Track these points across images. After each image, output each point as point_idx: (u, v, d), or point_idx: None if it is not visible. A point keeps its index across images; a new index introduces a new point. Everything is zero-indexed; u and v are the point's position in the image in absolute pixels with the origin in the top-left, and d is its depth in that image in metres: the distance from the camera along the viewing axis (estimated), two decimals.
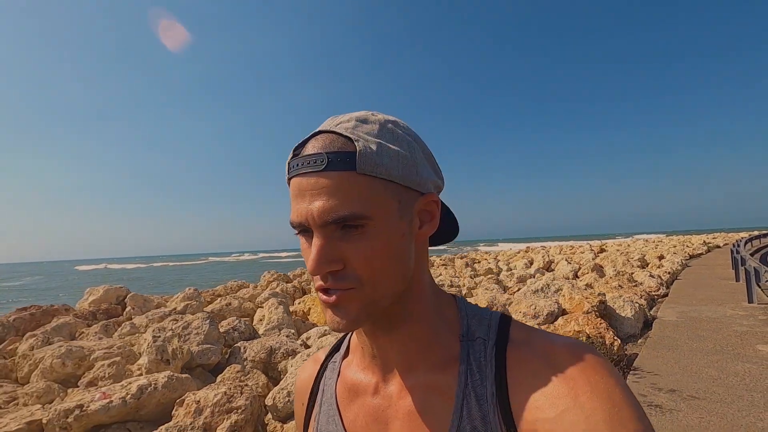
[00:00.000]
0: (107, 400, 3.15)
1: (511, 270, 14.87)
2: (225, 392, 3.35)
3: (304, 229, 0.47)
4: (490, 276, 12.86)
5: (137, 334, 6.23)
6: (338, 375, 0.60)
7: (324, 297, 0.46)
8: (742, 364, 4.70)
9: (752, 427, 3.25)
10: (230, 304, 8.42)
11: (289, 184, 0.49)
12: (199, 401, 3.27)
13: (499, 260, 20.03)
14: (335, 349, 0.65)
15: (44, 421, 3.06)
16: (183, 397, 3.37)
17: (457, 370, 0.50)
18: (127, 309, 8.71)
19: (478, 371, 0.49)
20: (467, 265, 16.88)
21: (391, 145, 0.47)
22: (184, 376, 3.82)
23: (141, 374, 4.05)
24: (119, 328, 6.42)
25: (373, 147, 0.45)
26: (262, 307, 8.09)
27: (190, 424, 2.96)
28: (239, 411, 3.28)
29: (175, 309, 7.73)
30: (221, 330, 5.32)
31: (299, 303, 8.76)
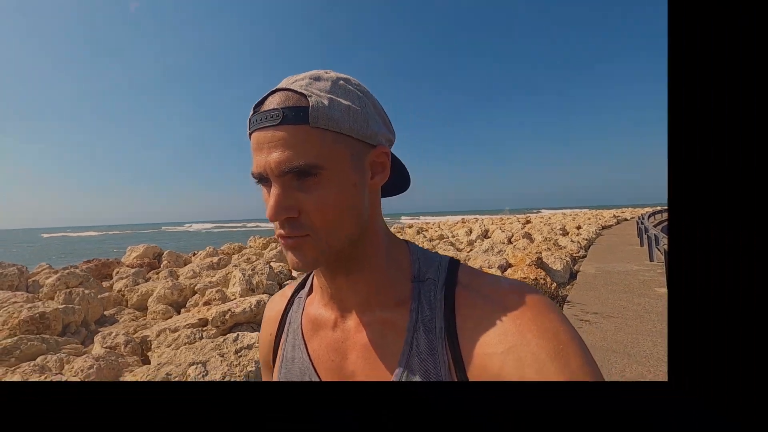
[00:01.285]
0: (242, 307, 5.29)
1: (455, 236, 17.58)
2: None
3: (263, 179, 0.51)
4: (444, 240, 15.42)
5: (197, 277, 8.31)
6: (303, 309, 0.66)
7: (283, 241, 0.51)
8: (643, 298, 6.32)
9: (648, 331, 4.84)
10: (249, 259, 10.49)
11: (250, 138, 0.51)
12: None
13: (442, 229, 23.09)
14: (301, 286, 0.71)
15: (209, 318, 5.10)
16: None
17: (409, 307, 0.54)
18: (164, 263, 10.64)
19: (428, 308, 0.53)
20: (418, 232, 19.66)
21: (342, 100, 0.50)
22: None
23: (235, 299, 6.17)
24: (184, 272, 8.48)
25: (325, 102, 0.48)
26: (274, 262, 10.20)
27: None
28: None
29: (212, 261, 9.74)
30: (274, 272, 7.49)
31: None
